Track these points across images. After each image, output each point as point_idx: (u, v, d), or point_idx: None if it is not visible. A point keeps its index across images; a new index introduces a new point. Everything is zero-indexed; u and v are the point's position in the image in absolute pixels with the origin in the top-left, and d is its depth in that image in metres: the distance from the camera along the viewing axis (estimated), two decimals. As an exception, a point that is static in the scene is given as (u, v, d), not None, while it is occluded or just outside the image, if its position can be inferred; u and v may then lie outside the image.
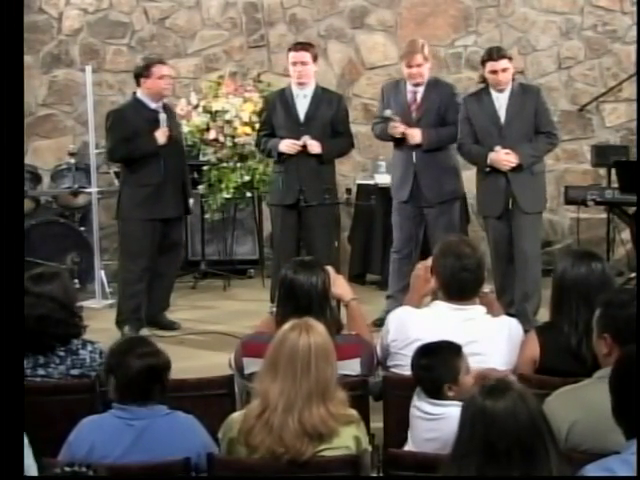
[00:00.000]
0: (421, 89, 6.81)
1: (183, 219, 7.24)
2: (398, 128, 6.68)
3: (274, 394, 3.25)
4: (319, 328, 3.38)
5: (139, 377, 3.40)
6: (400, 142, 6.80)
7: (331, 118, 6.80)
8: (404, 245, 6.90)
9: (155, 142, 6.65)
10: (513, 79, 6.49)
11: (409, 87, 6.83)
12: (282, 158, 6.75)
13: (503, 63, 6.37)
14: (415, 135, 6.69)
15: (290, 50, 6.86)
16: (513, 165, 6.37)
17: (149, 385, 3.42)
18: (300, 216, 6.80)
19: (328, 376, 3.30)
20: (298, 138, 6.68)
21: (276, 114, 6.83)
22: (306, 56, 6.75)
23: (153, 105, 6.75)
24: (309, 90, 6.81)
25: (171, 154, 6.75)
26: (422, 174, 6.76)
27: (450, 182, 6.87)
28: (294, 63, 6.75)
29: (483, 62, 6.47)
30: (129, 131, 6.69)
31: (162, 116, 6.70)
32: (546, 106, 6.62)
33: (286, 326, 3.38)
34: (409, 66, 6.75)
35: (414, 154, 6.75)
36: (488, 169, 6.49)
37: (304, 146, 6.66)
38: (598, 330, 3.40)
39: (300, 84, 6.78)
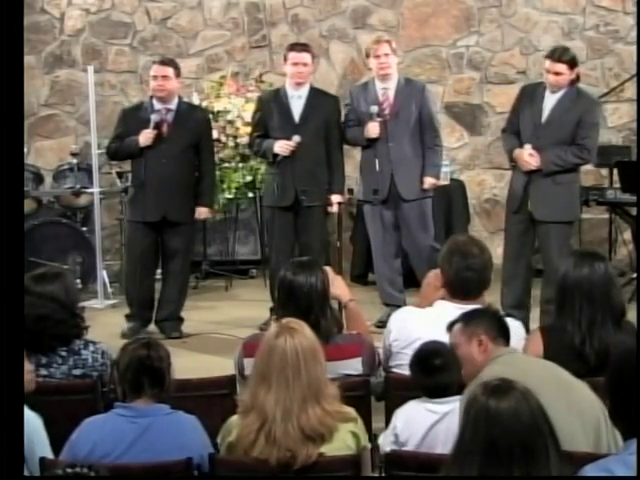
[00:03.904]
0: (392, 86, 6.81)
1: (186, 226, 6.83)
2: (376, 128, 6.68)
3: (270, 405, 3.24)
4: (302, 328, 3.37)
5: (127, 370, 3.45)
6: (370, 143, 6.80)
7: (325, 120, 6.77)
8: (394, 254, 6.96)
9: (137, 143, 6.61)
10: (572, 84, 6.29)
11: (379, 85, 6.82)
12: (277, 160, 6.71)
13: (558, 67, 6.18)
14: (437, 183, 6.94)
15: (291, 50, 6.80)
16: (532, 167, 6.24)
17: (138, 378, 3.44)
18: (296, 217, 6.80)
19: (318, 375, 3.30)
20: (290, 139, 6.66)
21: (271, 115, 6.79)
22: (307, 57, 6.74)
23: (158, 106, 6.69)
24: (304, 91, 6.79)
25: (159, 156, 6.63)
26: (399, 173, 6.77)
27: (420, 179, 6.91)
28: (295, 64, 6.71)
29: (546, 57, 6.34)
30: (126, 130, 6.71)
31: (153, 117, 6.61)
32: (595, 121, 6.37)
33: (270, 334, 3.36)
34: (376, 56, 6.75)
35: (392, 154, 6.75)
36: (513, 164, 6.44)
37: (299, 145, 6.64)
38: (467, 336, 3.54)
39: (298, 84, 6.76)
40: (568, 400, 3.29)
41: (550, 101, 6.30)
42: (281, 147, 6.66)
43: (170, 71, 6.66)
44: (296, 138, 6.63)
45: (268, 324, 6.69)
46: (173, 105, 6.74)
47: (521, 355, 3.69)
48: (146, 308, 6.85)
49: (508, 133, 6.50)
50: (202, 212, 6.90)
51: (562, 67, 6.20)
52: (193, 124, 6.78)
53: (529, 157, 6.25)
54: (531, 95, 6.41)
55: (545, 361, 3.58)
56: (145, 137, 6.58)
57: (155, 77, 6.65)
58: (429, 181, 6.86)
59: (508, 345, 3.64)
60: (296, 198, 6.72)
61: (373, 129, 6.70)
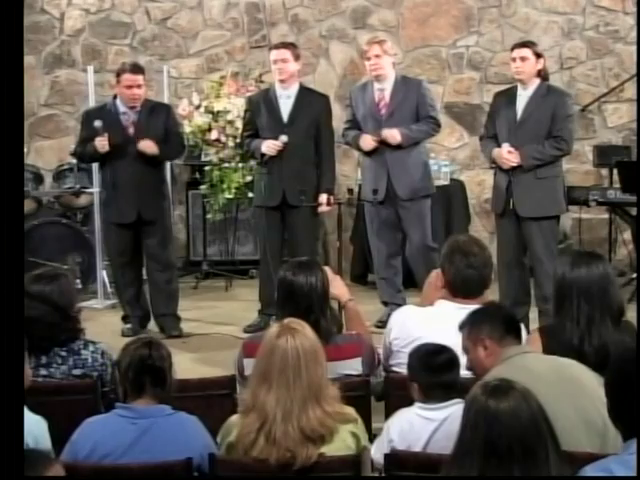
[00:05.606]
0: (388, 87, 6.81)
1: (161, 223, 6.81)
2: (372, 143, 6.72)
3: (271, 405, 3.24)
4: (304, 329, 3.38)
5: (128, 369, 3.45)
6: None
7: (314, 119, 6.76)
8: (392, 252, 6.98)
9: (96, 150, 6.60)
10: (543, 78, 6.39)
11: (376, 86, 6.84)
12: (265, 159, 6.73)
13: (523, 51, 6.31)
14: (395, 135, 6.67)
15: (271, 49, 6.89)
16: (513, 164, 6.27)
17: (140, 378, 3.44)
18: (284, 217, 6.80)
19: (319, 376, 3.30)
20: (278, 138, 6.66)
21: (260, 115, 6.81)
22: (286, 54, 6.72)
23: (122, 108, 6.69)
24: (293, 90, 6.79)
25: (128, 157, 6.62)
26: (395, 172, 6.76)
27: (421, 179, 6.85)
28: (275, 61, 6.74)
29: (511, 49, 6.48)
30: (90, 132, 6.68)
31: (96, 123, 6.57)
32: (568, 113, 6.40)
33: (271, 333, 3.36)
34: (367, 58, 6.77)
35: (387, 154, 6.74)
36: (494, 165, 6.47)
37: (286, 145, 6.64)
38: (472, 341, 3.53)
39: (282, 82, 6.76)
40: (575, 406, 3.28)
41: (523, 100, 6.36)
42: (268, 147, 6.68)
43: (142, 79, 6.69)
44: (283, 138, 6.64)
45: (254, 326, 6.71)
46: (137, 107, 6.72)
47: (532, 356, 3.57)
48: (137, 308, 6.86)
49: (486, 138, 6.55)
50: None
51: (527, 51, 6.33)
52: (158, 121, 6.76)
53: (508, 154, 6.28)
54: (504, 99, 6.49)
55: (561, 360, 3.52)
56: (100, 144, 6.57)
57: (130, 87, 6.61)
58: (391, 133, 6.67)
59: (519, 340, 3.60)
60: (284, 198, 6.72)
61: (367, 143, 6.73)
